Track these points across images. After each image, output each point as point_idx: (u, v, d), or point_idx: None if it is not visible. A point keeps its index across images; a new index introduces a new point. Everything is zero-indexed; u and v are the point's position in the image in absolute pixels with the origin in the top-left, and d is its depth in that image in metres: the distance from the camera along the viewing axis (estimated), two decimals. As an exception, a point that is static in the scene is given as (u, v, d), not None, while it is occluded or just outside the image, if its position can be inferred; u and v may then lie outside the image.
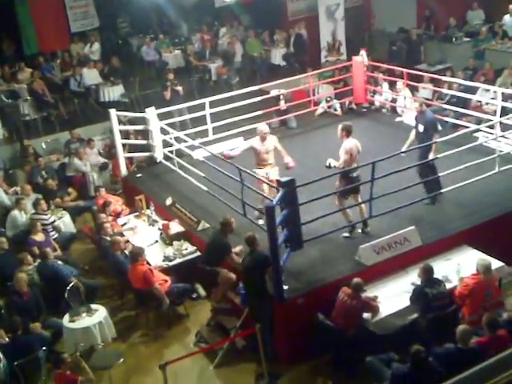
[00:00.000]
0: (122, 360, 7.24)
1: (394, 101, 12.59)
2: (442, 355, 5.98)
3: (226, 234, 7.86)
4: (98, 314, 7.71)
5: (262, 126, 8.79)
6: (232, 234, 7.95)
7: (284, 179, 7.18)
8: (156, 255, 8.73)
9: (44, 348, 7.11)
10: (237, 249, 7.86)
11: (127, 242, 8.95)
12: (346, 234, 8.14)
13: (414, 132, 8.96)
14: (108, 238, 8.81)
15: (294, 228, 7.31)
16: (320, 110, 13.19)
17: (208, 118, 11.38)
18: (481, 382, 1.68)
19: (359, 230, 8.18)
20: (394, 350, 6.47)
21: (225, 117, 11.59)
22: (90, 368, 7.12)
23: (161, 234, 9.18)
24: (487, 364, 1.73)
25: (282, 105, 12.62)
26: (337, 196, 8.01)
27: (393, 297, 7.23)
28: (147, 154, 11.51)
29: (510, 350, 1.79)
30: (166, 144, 10.97)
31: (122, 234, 9.15)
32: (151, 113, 10.96)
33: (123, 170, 11.14)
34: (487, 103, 11.71)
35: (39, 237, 9.22)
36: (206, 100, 11.42)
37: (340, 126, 8.19)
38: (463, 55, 14.85)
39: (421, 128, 8.74)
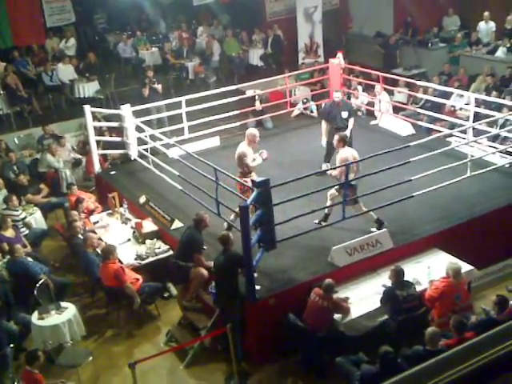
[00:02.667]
0: (90, 358, 7.18)
1: (370, 104, 12.69)
2: (411, 357, 6.04)
3: (200, 230, 7.84)
4: (68, 312, 7.62)
5: (254, 130, 8.62)
6: (209, 235, 7.92)
7: (258, 179, 7.19)
8: (128, 253, 8.67)
9: (12, 345, 7.00)
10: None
11: (99, 239, 8.87)
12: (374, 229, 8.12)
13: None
14: (80, 236, 8.72)
15: (268, 228, 7.31)
16: (296, 111, 13.24)
17: (184, 117, 11.34)
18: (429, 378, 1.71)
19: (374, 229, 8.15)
20: (363, 351, 6.52)
21: (201, 116, 11.56)
22: (59, 366, 7.03)
23: (134, 232, 9.11)
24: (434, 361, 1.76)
25: (258, 105, 12.63)
26: (353, 206, 8.04)
27: (364, 298, 7.28)
28: (121, 151, 11.42)
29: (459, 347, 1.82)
30: (140, 142, 10.89)
31: (94, 232, 9.07)
32: (126, 110, 10.88)
33: (97, 167, 11.04)
34: (461, 108, 11.88)
35: (9, 233, 9.08)
36: (183, 98, 11.38)
37: (336, 137, 8.36)
38: (438, 60, 15.04)
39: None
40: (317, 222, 8.20)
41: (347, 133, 9.57)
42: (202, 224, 7.84)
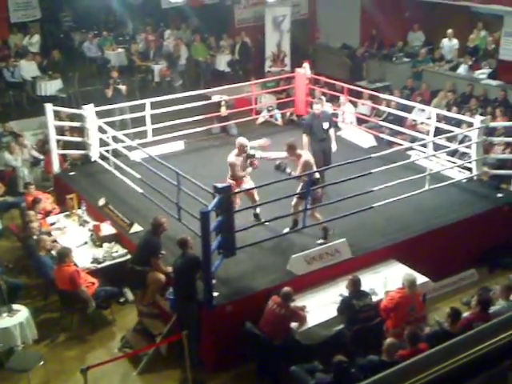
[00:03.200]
0: (41, 363, 7.00)
1: (333, 115, 12.79)
2: (366, 367, 6.09)
3: (158, 235, 7.76)
4: (20, 315, 7.42)
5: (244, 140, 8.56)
6: (169, 239, 7.83)
7: (220, 185, 7.16)
8: (85, 257, 8.51)
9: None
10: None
11: (55, 241, 8.69)
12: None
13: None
14: (34, 237, 8.53)
15: (228, 235, 7.29)
16: (261, 118, 13.28)
17: (148, 119, 11.24)
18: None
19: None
20: (318, 360, 6.54)
21: (165, 119, 11.48)
22: (8, 370, 6.85)
23: (91, 235, 8.96)
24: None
25: (224, 111, 12.61)
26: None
27: (320, 307, 7.32)
28: (82, 151, 11.23)
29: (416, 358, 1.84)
30: (102, 143, 10.74)
31: (49, 234, 8.88)
32: (89, 110, 10.72)
33: (56, 167, 10.83)
34: (422, 123, 12.10)
35: (-39, 232, 8.84)
36: (147, 101, 11.28)
37: (285, 147, 8.32)
38: (402, 75, 15.29)
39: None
40: (287, 230, 8.23)
41: (332, 145, 9.65)
42: (159, 228, 7.75)
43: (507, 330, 1.86)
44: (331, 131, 9.83)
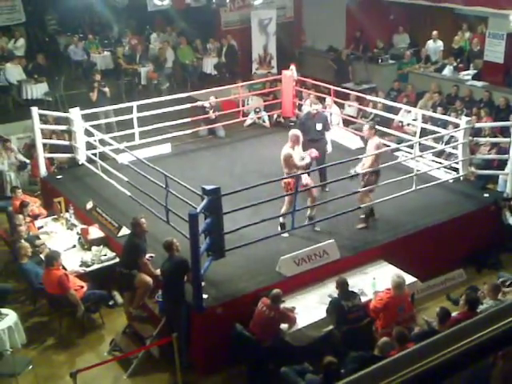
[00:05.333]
0: (30, 367, 6.97)
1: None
2: (356, 360, 6.09)
3: (139, 236, 7.71)
4: (8, 319, 7.35)
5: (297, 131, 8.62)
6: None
7: (208, 187, 7.15)
8: (73, 260, 8.47)
9: None
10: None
11: (43, 245, 8.64)
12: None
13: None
14: (22, 241, 8.46)
15: (217, 237, 7.29)
16: (249, 120, 13.29)
17: (135, 122, 11.21)
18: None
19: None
20: (308, 361, 6.56)
21: (152, 122, 11.47)
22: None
23: (79, 238, 8.92)
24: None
25: (211, 114, 12.60)
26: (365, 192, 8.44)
27: (310, 308, 7.34)
28: (69, 155, 11.18)
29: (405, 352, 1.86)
30: (89, 146, 10.70)
31: (38, 237, 8.83)
32: (75, 113, 10.68)
33: (42, 171, 10.77)
34: (408, 124, 12.18)
35: None
36: (134, 104, 11.25)
37: (366, 126, 8.72)
38: (388, 77, 15.39)
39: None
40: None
41: (328, 147, 9.70)
42: (138, 229, 7.70)
43: (490, 326, 1.88)
44: (328, 135, 9.84)
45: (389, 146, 10.48)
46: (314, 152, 8.40)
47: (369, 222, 8.58)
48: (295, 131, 8.63)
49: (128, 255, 7.70)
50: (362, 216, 8.54)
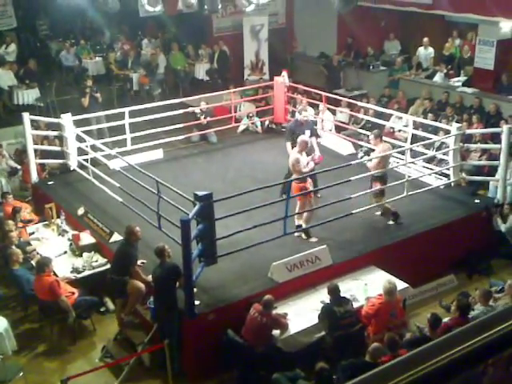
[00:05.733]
0: (21, 374, 6.93)
1: (314, 123, 12.86)
2: (348, 368, 6.09)
3: (132, 244, 7.70)
4: (-2, 326, 7.33)
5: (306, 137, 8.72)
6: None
7: (201, 193, 7.15)
8: (64, 266, 8.44)
9: None
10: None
11: (34, 251, 8.59)
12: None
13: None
14: (13, 247, 8.42)
15: (209, 243, 7.28)
16: (242, 126, 13.31)
17: (127, 128, 11.20)
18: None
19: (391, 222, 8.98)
20: (300, 368, 6.55)
21: (144, 128, 11.46)
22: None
23: (70, 244, 8.88)
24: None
25: (202, 120, 12.60)
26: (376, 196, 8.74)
27: (302, 314, 7.34)
28: (60, 161, 11.14)
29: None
30: (81, 152, 10.67)
31: (29, 243, 8.79)
32: (67, 119, 10.65)
33: (34, 177, 10.72)
34: (399, 130, 12.24)
35: None
36: (126, 109, 11.24)
37: (372, 136, 8.99)
38: (379, 83, 15.46)
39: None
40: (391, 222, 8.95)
41: (316, 152, 9.58)
42: (132, 237, 7.70)
43: (481, 334, 1.90)
44: (314, 142, 9.76)
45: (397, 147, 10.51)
46: (316, 156, 8.49)
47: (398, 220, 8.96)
48: (304, 137, 8.67)
49: (119, 262, 7.67)
50: (390, 220, 8.95)
